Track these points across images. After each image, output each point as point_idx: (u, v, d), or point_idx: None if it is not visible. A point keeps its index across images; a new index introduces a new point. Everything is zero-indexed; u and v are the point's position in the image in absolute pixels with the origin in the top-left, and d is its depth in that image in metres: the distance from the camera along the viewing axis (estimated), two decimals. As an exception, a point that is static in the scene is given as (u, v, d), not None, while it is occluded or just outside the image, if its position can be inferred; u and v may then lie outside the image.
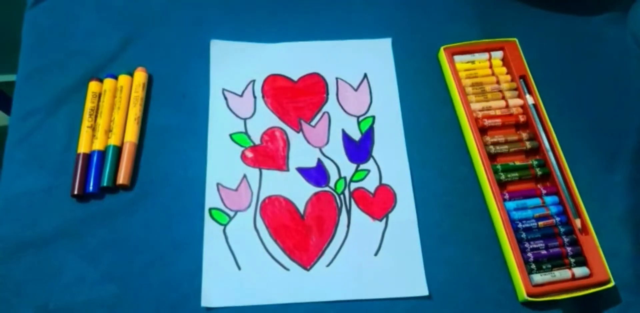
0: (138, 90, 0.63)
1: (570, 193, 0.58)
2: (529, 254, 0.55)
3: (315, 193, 0.59)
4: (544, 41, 0.68)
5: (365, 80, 0.65)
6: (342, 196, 0.59)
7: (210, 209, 0.58)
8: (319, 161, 0.60)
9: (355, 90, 0.64)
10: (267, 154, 0.60)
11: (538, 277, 0.54)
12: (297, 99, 0.64)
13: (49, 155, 0.60)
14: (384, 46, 0.67)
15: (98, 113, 0.62)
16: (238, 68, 0.65)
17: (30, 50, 0.67)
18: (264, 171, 0.60)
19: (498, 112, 0.62)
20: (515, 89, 0.64)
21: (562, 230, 0.56)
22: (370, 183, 0.59)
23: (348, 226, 0.57)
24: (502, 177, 0.59)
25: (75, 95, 0.64)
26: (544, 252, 0.55)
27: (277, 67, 0.65)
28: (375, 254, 0.56)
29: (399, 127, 0.62)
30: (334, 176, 0.60)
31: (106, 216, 0.57)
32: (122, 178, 0.58)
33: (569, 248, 0.55)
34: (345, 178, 0.60)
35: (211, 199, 0.58)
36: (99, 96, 0.63)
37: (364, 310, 0.54)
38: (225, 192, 0.58)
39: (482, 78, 0.64)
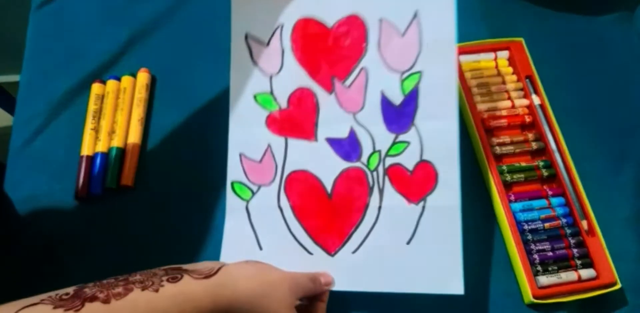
0: (141, 91, 0.63)
1: (577, 195, 0.58)
2: (535, 256, 0.55)
3: (345, 170, 0.52)
4: (550, 41, 0.68)
5: (415, 21, 0.51)
6: (375, 173, 0.51)
7: (232, 183, 0.53)
8: (352, 130, 0.52)
9: (402, 35, 0.52)
10: (294, 120, 0.53)
11: (544, 279, 0.53)
12: (331, 50, 0.53)
13: (52, 158, 0.60)
14: None
15: (101, 115, 0.62)
16: (264, 7, 0.55)
17: (34, 53, 0.67)
18: (290, 141, 0.53)
19: (504, 113, 0.62)
20: (521, 89, 0.64)
21: (568, 231, 0.56)
22: (409, 159, 0.51)
23: (379, 209, 0.51)
24: (508, 178, 0.58)
25: (78, 97, 0.64)
26: (550, 253, 0.55)
27: (309, 7, 0.54)
28: (408, 243, 0.49)
29: (451, 88, 0.50)
30: (367, 149, 0.52)
31: (110, 217, 0.57)
32: (125, 179, 0.58)
33: (575, 250, 0.55)
34: (380, 152, 0.51)
35: (234, 172, 0.53)
36: (101, 98, 0.63)
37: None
38: (249, 164, 0.53)
39: (487, 78, 0.64)
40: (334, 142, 0.53)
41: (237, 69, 0.55)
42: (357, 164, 0.52)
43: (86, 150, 0.59)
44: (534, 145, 0.60)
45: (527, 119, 0.61)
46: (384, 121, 0.52)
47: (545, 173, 0.59)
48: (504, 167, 0.59)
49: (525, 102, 0.63)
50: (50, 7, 0.70)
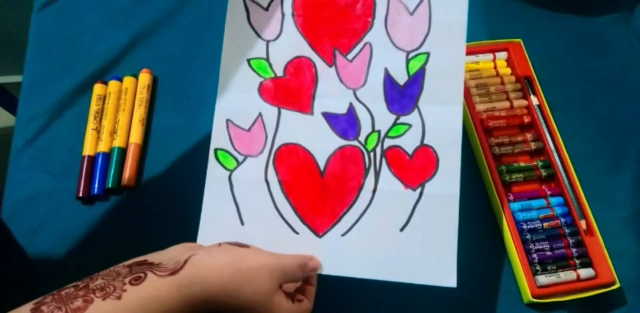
0: (143, 91, 0.63)
1: (575, 195, 0.58)
2: (534, 255, 0.55)
3: (341, 148, 0.49)
4: (548, 42, 0.68)
5: (425, 1, 0.50)
6: (372, 154, 0.49)
7: (216, 150, 0.50)
8: (351, 107, 0.49)
9: (411, 13, 0.50)
10: (289, 90, 0.50)
11: (543, 279, 0.54)
12: (335, 21, 0.50)
13: (54, 158, 0.60)
14: None
15: (103, 115, 0.62)
16: None
17: (36, 54, 0.67)
18: (284, 111, 0.50)
19: (502, 113, 0.62)
20: (520, 90, 0.64)
21: (567, 231, 0.56)
22: (409, 142, 0.49)
23: (374, 192, 0.48)
24: (507, 178, 0.59)
25: (80, 98, 0.64)
26: (549, 253, 0.55)
27: None
28: (401, 230, 0.47)
29: (458, 72, 0.49)
30: (365, 128, 0.49)
31: (111, 218, 0.58)
32: (126, 179, 0.58)
33: (574, 250, 0.55)
34: (379, 132, 0.49)
35: (218, 138, 0.50)
36: (103, 98, 0.63)
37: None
38: (236, 131, 0.50)
39: (486, 79, 0.64)
40: (330, 117, 0.50)
41: (231, 31, 0.51)
42: (354, 143, 0.49)
43: (88, 150, 0.60)
44: (533, 146, 0.61)
45: (526, 120, 0.62)
46: (386, 100, 0.49)
47: (544, 173, 0.59)
48: (503, 167, 0.59)
49: (524, 102, 0.63)
50: (52, 8, 0.70)
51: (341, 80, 0.50)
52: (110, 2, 0.70)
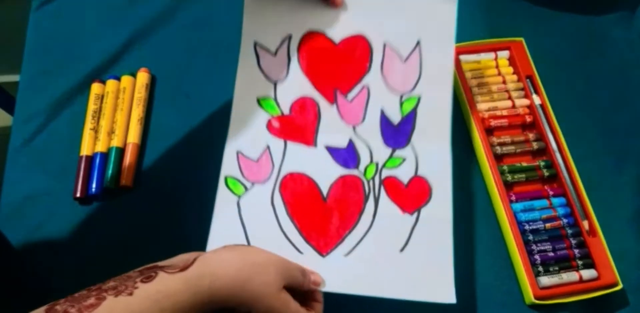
0: (141, 91, 0.63)
1: (578, 195, 0.57)
2: (536, 256, 0.54)
3: (342, 176, 0.53)
4: (550, 41, 0.68)
5: (417, 50, 0.55)
6: (371, 182, 0.53)
7: (226, 177, 0.53)
8: (351, 141, 0.54)
9: (404, 61, 0.56)
10: (295, 126, 0.55)
11: (545, 280, 0.53)
12: (336, 65, 0.56)
13: (51, 158, 0.60)
14: (447, 7, 0.56)
15: (101, 115, 0.61)
16: (274, 19, 0.57)
17: (34, 53, 0.67)
18: (289, 144, 0.54)
19: (504, 112, 0.62)
20: (522, 89, 0.63)
21: (569, 232, 0.56)
22: (404, 173, 0.53)
23: (374, 216, 0.52)
24: (509, 178, 0.58)
25: (78, 97, 0.64)
26: (551, 254, 0.55)
27: (318, 21, 0.56)
28: (401, 250, 0.50)
29: (446, 113, 0.54)
30: (365, 159, 0.54)
31: (109, 218, 0.57)
32: (124, 179, 0.58)
33: (576, 251, 0.55)
34: (377, 163, 0.53)
35: (229, 167, 0.53)
36: (101, 98, 0.62)
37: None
38: (245, 162, 0.54)
39: (488, 78, 0.64)
40: (333, 150, 0.54)
41: (243, 73, 0.56)
42: (354, 172, 0.53)
43: (85, 150, 0.59)
44: (535, 145, 0.60)
45: (528, 119, 0.61)
46: (382, 136, 0.54)
47: (546, 173, 0.59)
48: (505, 167, 0.59)
49: (526, 101, 0.62)
50: (50, 7, 0.70)
51: (342, 118, 0.55)
52: (108, 1, 0.70)
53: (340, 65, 0.56)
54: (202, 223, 0.57)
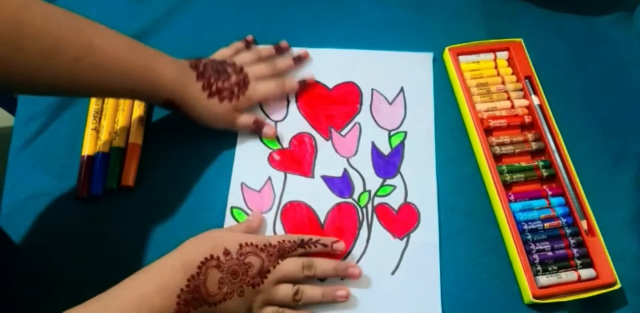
0: (142, 91, 0.63)
1: (577, 195, 0.58)
2: (535, 256, 0.55)
3: (338, 204, 0.58)
4: (549, 41, 0.68)
5: (401, 94, 0.64)
6: (364, 209, 0.58)
7: (232, 208, 0.58)
8: (345, 171, 0.60)
9: (390, 103, 0.63)
10: (294, 159, 0.60)
11: (544, 279, 0.53)
12: (330, 106, 0.63)
13: (53, 159, 0.60)
14: (424, 60, 0.66)
15: (102, 115, 0.62)
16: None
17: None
18: (289, 175, 0.59)
19: (503, 113, 0.62)
20: (521, 90, 0.64)
21: (568, 231, 0.56)
22: (394, 200, 0.58)
23: (367, 241, 0.56)
24: (508, 178, 0.59)
25: (79, 97, 0.64)
26: (549, 253, 0.55)
27: (314, 73, 0.65)
28: (392, 273, 0.55)
29: (430, 145, 0.61)
30: (358, 188, 0.59)
31: (111, 218, 0.58)
32: (126, 179, 0.58)
33: (575, 250, 0.55)
34: (370, 191, 0.59)
35: (234, 198, 0.58)
36: (103, 98, 0.63)
37: None
38: (249, 193, 0.59)
39: (487, 78, 0.64)
40: (328, 180, 0.59)
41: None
42: (349, 200, 0.58)
43: (87, 150, 0.59)
44: (534, 145, 0.60)
45: (527, 119, 0.62)
46: (374, 167, 0.60)
47: (545, 173, 0.59)
48: (504, 167, 0.59)
49: (525, 102, 0.63)
50: (51, 8, 0.70)
51: (336, 151, 0.61)
52: (109, 2, 0.70)
53: (333, 107, 0.63)
54: (202, 223, 0.57)
